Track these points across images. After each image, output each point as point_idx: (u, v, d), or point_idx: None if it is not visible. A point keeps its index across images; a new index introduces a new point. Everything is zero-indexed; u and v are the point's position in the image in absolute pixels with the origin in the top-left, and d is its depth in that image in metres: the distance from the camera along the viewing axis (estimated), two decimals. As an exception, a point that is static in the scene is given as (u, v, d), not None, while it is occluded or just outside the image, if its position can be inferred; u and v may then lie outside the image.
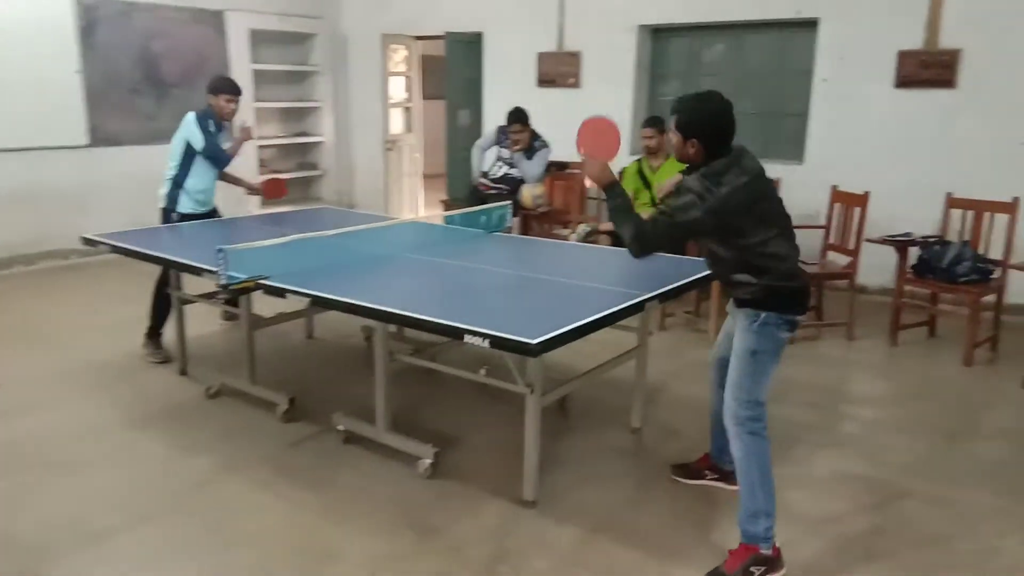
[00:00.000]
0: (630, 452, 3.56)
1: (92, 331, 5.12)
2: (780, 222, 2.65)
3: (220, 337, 5.07)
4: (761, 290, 2.61)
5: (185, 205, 4.63)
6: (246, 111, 7.46)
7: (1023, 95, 5.37)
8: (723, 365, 3.00)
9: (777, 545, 2.64)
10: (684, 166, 5.87)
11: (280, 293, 3.17)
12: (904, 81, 5.80)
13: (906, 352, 4.88)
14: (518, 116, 5.86)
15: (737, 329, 2.70)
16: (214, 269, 3.18)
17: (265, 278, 3.25)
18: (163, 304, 4.51)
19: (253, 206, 8.18)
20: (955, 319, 5.19)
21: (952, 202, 5.09)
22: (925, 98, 5.72)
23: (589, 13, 7.20)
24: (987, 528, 2.95)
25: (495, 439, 3.60)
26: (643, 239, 2.69)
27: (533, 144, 5.96)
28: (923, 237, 4.99)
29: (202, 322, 4.96)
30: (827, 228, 5.43)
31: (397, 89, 8.85)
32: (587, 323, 2.71)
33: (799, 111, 6.43)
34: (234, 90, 4.64)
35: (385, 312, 2.86)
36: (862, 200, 5.09)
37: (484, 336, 2.56)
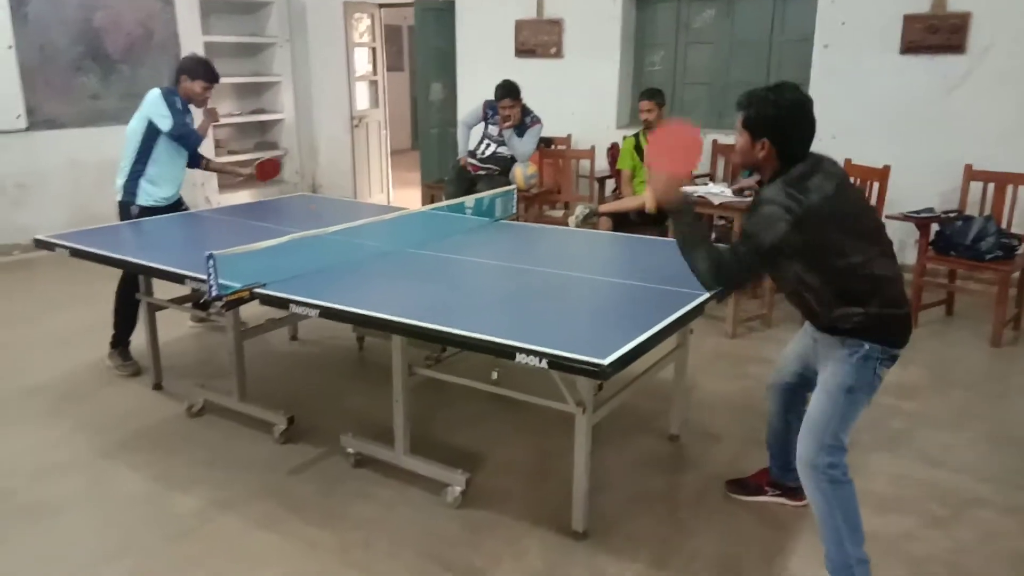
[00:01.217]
0: (673, 464, 3.23)
1: (43, 341, 4.56)
2: (882, 239, 2.30)
3: (191, 342, 4.58)
4: (869, 318, 2.23)
5: (147, 197, 4.10)
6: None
7: (1034, 61, 5.15)
8: (788, 391, 2.68)
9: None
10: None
11: (282, 304, 2.73)
12: (910, 47, 5.51)
13: (929, 333, 4.64)
14: (508, 90, 5.42)
15: (828, 360, 2.33)
16: (202, 278, 2.72)
17: (261, 285, 2.81)
18: (129, 309, 3.99)
19: (211, 193, 7.61)
20: (974, 296, 4.99)
21: (972, 174, 4.86)
22: (933, 65, 5.46)
23: (570, -22, 6.76)
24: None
25: (522, 456, 3.24)
26: (724, 271, 2.31)
27: (524, 120, 5.54)
28: (944, 212, 4.75)
29: (168, 325, 4.41)
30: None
31: (361, 61, 8.28)
32: (657, 332, 2.35)
33: (797, 80, 6.08)
34: (214, 77, 4.13)
35: (417, 327, 2.45)
36: (882, 175, 4.81)
37: (542, 356, 2.18)
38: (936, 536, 2.72)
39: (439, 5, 7.36)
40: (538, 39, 6.97)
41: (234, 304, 2.77)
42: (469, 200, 3.97)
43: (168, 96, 3.97)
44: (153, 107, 3.96)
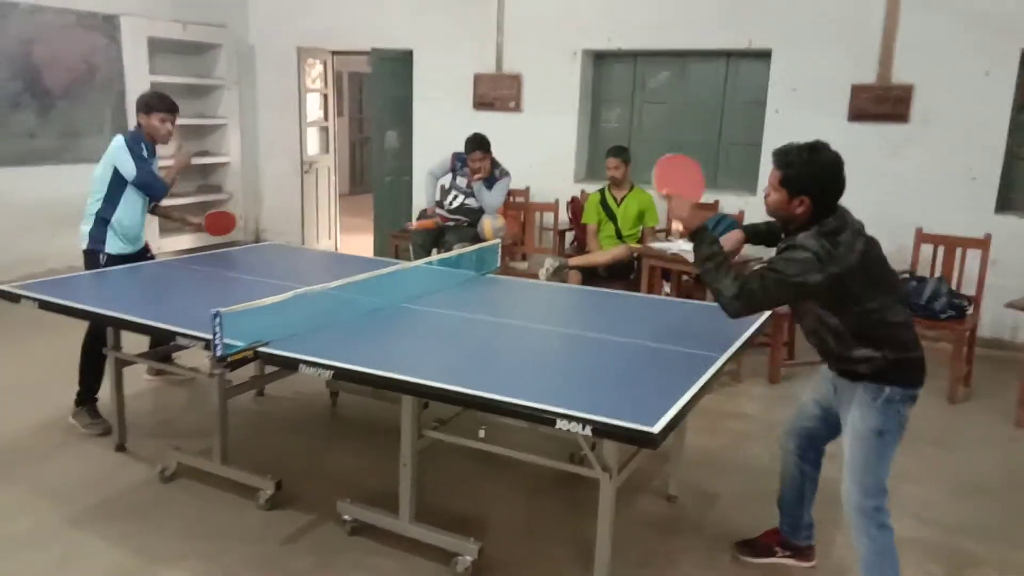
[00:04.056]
0: (674, 526, 3.19)
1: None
2: (897, 288, 2.41)
3: (150, 398, 4.31)
4: (886, 362, 2.34)
5: (114, 244, 3.89)
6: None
7: (971, 129, 5.50)
8: (806, 437, 2.72)
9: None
10: (648, 196, 5.69)
11: (290, 364, 2.60)
12: (857, 115, 5.83)
13: (888, 389, 4.81)
14: (479, 143, 5.44)
15: (852, 407, 2.41)
16: (208, 337, 2.57)
17: (264, 344, 2.67)
18: (96, 364, 3.74)
19: (152, 237, 7.27)
20: (929, 355, 5.20)
21: (923, 237, 5.11)
22: (879, 131, 5.78)
23: (529, 35, 6.88)
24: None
25: (522, 519, 3.16)
26: (749, 297, 2.38)
27: (493, 173, 5.55)
28: (900, 273, 4.97)
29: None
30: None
31: (312, 107, 8.17)
32: (695, 394, 2.34)
33: (749, 141, 6.37)
34: (170, 108, 3.95)
35: (446, 391, 2.36)
36: (842, 236, 5.01)
37: (586, 423, 2.14)
38: None
39: (396, 55, 7.36)
40: (497, 92, 7.04)
41: (238, 365, 2.62)
42: (455, 254, 3.92)
43: (132, 143, 3.81)
44: (115, 154, 3.79)
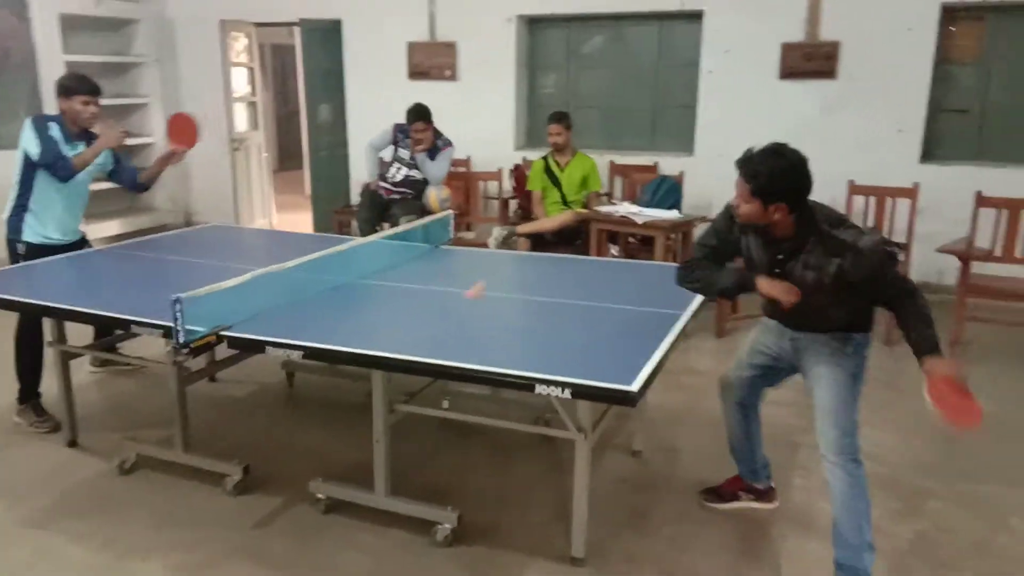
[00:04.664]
0: (642, 481, 3.28)
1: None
2: None
3: (95, 390, 4.17)
4: (854, 315, 2.45)
5: (34, 233, 3.68)
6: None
7: (896, 84, 5.71)
8: (746, 387, 2.83)
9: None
10: (591, 161, 5.73)
11: (256, 347, 2.56)
12: (788, 72, 5.98)
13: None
14: (421, 114, 5.36)
15: (818, 355, 2.51)
16: (169, 324, 2.50)
17: (227, 328, 2.62)
18: (32, 358, 3.59)
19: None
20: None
21: (854, 188, 5.31)
22: (809, 88, 5.94)
23: (462, 2, 6.79)
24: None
25: (495, 485, 3.20)
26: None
27: (436, 143, 5.49)
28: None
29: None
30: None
31: (239, 82, 7.91)
32: (666, 351, 2.40)
33: (684, 103, 6.47)
34: (92, 90, 3.68)
35: (423, 364, 2.36)
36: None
37: (565, 386, 2.17)
38: (902, 530, 2.91)
39: (325, 25, 7.17)
40: (432, 61, 6.94)
41: (201, 350, 2.56)
42: (410, 226, 3.89)
43: (39, 123, 3.57)
44: (23, 136, 3.55)
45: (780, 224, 2.39)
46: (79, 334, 3.63)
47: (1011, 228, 4.52)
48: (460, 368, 2.32)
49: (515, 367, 2.31)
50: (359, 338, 2.58)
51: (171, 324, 2.49)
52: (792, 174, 2.35)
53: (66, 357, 3.43)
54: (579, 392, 2.18)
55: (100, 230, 6.88)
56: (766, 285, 2.42)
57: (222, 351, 3.12)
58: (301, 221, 8.31)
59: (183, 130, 3.97)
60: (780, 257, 2.44)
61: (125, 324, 2.79)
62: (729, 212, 2.56)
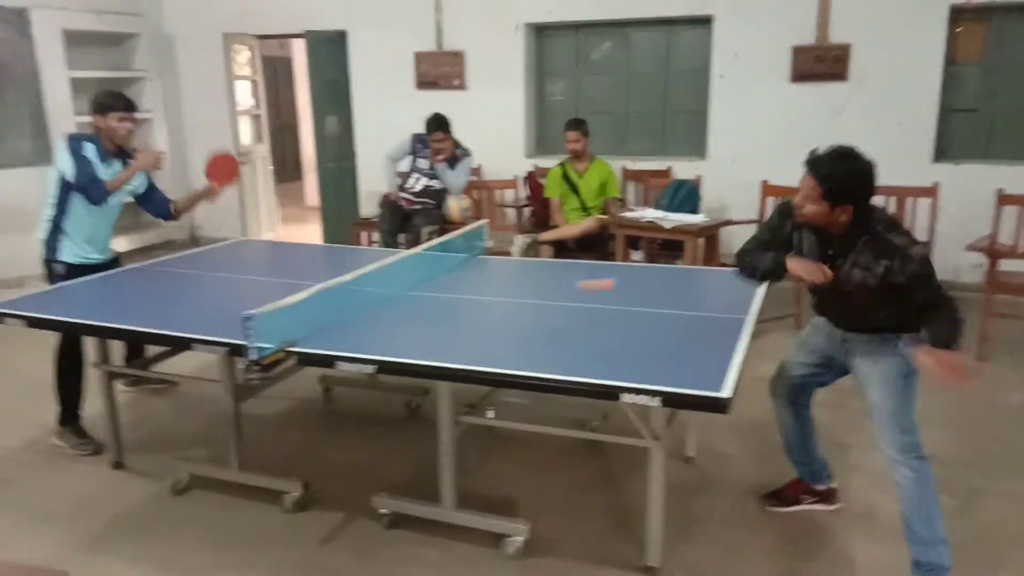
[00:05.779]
0: (697, 487, 3.27)
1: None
2: None
3: (131, 411, 4.08)
4: (902, 317, 2.47)
5: (71, 253, 3.65)
6: (67, 125, 6.26)
7: (906, 85, 5.78)
8: (797, 388, 2.85)
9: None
10: (608, 167, 5.74)
11: (326, 362, 2.53)
12: (799, 76, 6.03)
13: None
14: (440, 123, 5.35)
15: (870, 356, 2.55)
16: (233, 341, 2.47)
17: (294, 343, 2.59)
18: (73, 380, 3.53)
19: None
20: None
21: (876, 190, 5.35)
22: (820, 91, 6.00)
23: (469, 11, 6.80)
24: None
25: (552, 495, 3.18)
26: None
27: (455, 152, 5.48)
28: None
29: (96, 394, 3.89)
30: (761, 222, 5.51)
31: (242, 95, 7.85)
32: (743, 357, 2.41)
33: (694, 108, 6.50)
34: (127, 106, 3.66)
35: (510, 376, 2.35)
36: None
37: (655, 394, 2.17)
38: (961, 528, 2.88)
39: (330, 36, 7.14)
40: (440, 71, 6.94)
41: (272, 367, 2.53)
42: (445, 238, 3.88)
43: (74, 143, 3.52)
44: (57, 156, 3.53)
45: (842, 225, 2.42)
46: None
47: (1032, 225, 4.58)
48: (538, 379, 2.31)
49: (597, 376, 2.29)
50: (427, 349, 2.56)
51: (236, 341, 2.47)
52: (863, 178, 2.38)
53: (111, 377, 3.38)
54: (669, 400, 2.17)
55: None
56: (795, 265, 2.50)
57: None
58: (307, 233, 8.27)
59: (223, 168, 3.98)
60: (831, 253, 2.48)
61: (185, 342, 2.74)
62: (783, 209, 2.62)
